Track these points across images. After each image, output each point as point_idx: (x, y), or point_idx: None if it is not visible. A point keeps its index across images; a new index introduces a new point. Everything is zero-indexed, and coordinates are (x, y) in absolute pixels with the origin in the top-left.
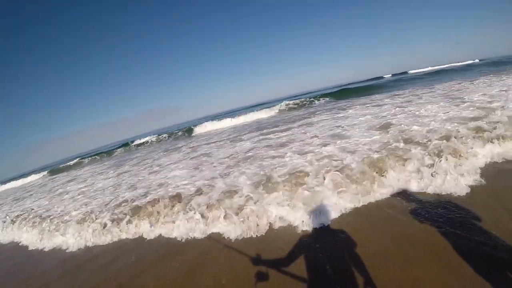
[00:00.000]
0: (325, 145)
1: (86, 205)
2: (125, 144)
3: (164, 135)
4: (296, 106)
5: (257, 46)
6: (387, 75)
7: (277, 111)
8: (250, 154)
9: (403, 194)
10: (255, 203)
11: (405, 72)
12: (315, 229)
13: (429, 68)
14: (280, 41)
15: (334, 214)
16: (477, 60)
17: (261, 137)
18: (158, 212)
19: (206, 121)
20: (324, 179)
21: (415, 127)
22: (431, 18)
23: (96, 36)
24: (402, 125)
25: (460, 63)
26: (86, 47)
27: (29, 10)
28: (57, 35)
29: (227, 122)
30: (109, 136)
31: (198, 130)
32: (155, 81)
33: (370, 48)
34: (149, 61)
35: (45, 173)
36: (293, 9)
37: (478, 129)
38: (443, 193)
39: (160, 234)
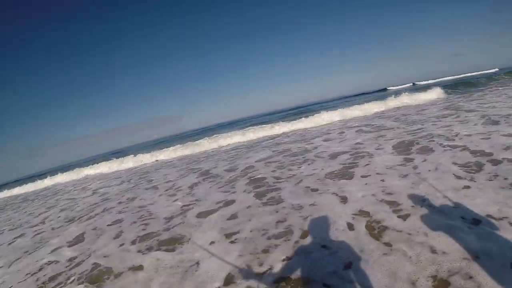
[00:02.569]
0: None
1: None
2: None
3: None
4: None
5: (262, 54)
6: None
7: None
8: None
9: None
10: None
11: None
12: None
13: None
14: (286, 49)
15: None
16: None
17: None
18: None
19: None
20: None
21: None
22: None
23: (101, 41)
24: None
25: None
26: (88, 53)
27: (39, 14)
28: (58, 39)
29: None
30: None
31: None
32: (158, 89)
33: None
34: (151, 68)
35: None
36: (302, 13)
37: None
38: None
39: None
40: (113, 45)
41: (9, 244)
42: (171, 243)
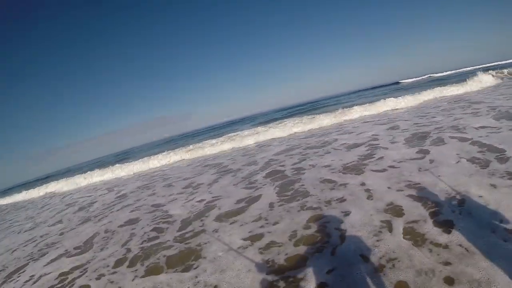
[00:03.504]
0: None
1: None
2: None
3: None
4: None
5: (274, 52)
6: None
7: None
8: None
9: None
10: None
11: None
12: None
13: None
14: (299, 47)
15: None
16: None
17: None
18: None
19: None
20: None
21: None
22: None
23: (108, 40)
24: None
25: None
26: (95, 51)
27: (51, 16)
28: (63, 37)
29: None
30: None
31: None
32: (166, 87)
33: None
34: (160, 66)
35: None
36: (313, 8)
37: None
38: None
39: None
40: (119, 44)
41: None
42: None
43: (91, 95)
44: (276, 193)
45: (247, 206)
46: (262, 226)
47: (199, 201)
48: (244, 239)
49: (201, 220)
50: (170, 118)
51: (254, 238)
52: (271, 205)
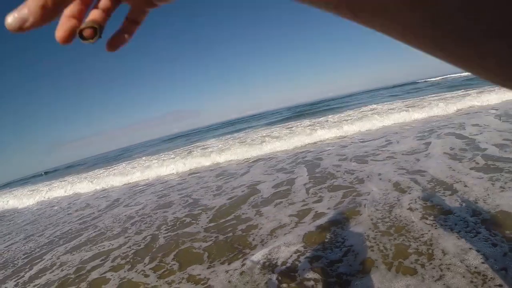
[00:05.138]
0: None
1: None
2: None
3: None
4: None
5: (281, 48)
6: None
7: None
8: None
9: None
10: None
11: None
12: None
13: None
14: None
15: None
16: None
17: None
18: None
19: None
20: None
21: None
22: None
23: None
24: None
25: None
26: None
27: None
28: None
29: None
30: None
31: None
32: (175, 83)
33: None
34: (165, 63)
35: None
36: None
37: None
38: None
39: None
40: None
41: None
42: None
43: (96, 94)
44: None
45: None
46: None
47: None
48: None
49: None
50: (179, 115)
51: None
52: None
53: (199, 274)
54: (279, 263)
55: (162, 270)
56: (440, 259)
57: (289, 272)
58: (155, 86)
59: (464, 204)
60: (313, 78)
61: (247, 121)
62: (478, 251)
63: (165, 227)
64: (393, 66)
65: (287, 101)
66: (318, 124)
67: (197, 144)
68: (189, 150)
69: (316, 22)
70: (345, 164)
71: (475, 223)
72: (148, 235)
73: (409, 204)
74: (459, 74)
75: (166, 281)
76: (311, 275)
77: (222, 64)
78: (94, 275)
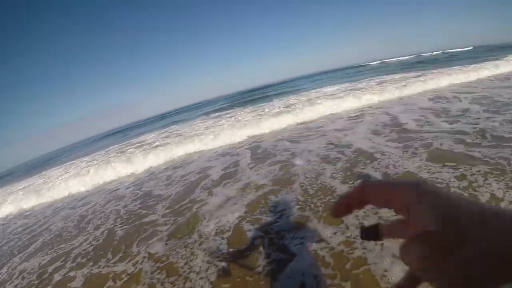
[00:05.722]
0: None
1: None
2: None
3: None
4: None
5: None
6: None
7: None
8: None
9: None
10: None
11: None
12: None
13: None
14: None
15: None
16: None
17: None
18: None
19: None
20: None
21: None
22: None
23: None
24: None
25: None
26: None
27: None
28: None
29: None
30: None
31: None
32: (110, 79)
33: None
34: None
35: None
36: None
37: None
38: None
39: None
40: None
41: None
42: None
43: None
44: None
45: None
46: None
47: None
48: None
49: None
50: (119, 108)
51: None
52: None
53: (162, 253)
54: (227, 228)
55: (129, 258)
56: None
57: (237, 235)
58: (90, 83)
59: (378, 169)
60: (257, 64)
61: (186, 111)
62: None
63: (120, 220)
64: (333, 53)
65: (223, 89)
66: (261, 112)
67: (133, 141)
68: (123, 150)
69: (253, 12)
70: (281, 144)
71: None
72: (105, 230)
73: (332, 173)
74: (396, 59)
75: (132, 264)
76: (254, 234)
77: (158, 57)
78: (57, 277)
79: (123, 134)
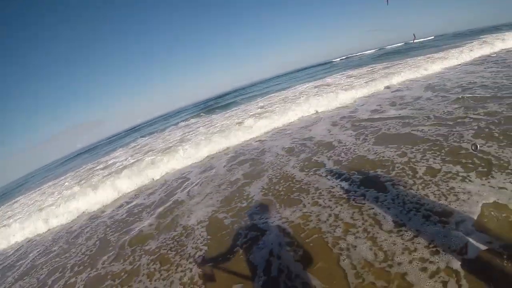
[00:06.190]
0: None
1: None
2: None
3: None
4: None
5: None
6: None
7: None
8: None
9: None
10: None
11: None
12: None
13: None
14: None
15: None
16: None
17: None
18: None
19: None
20: None
21: None
22: None
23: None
24: None
25: None
26: None
27: None
28: None
29: None
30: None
31: None
32: (69, 96)
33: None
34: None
35: None
36: None
37: None
38: None
39: None
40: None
41: None
42: None
43: None
44: None
45: None
46: None
47: None
48: None
49: None
50: (82, 127)
51: None
52: None
53: (154, 248)
54: (205, 219)
55: (122, 260)
56: (313, 193)
57: (213, 223)
58: (44, 103)
59: (333, 157)
60: (227, 71)
61: (156, 122)
62: (339, 185)
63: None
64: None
65: (192, 97)
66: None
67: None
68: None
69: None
70: (252, 144)
71: (338, 168)
72: (97, 240)
73: (294, 163)
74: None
75: (129, 263)
76: (227, 221)
77: (119, 70)
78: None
79: (90, 154)
